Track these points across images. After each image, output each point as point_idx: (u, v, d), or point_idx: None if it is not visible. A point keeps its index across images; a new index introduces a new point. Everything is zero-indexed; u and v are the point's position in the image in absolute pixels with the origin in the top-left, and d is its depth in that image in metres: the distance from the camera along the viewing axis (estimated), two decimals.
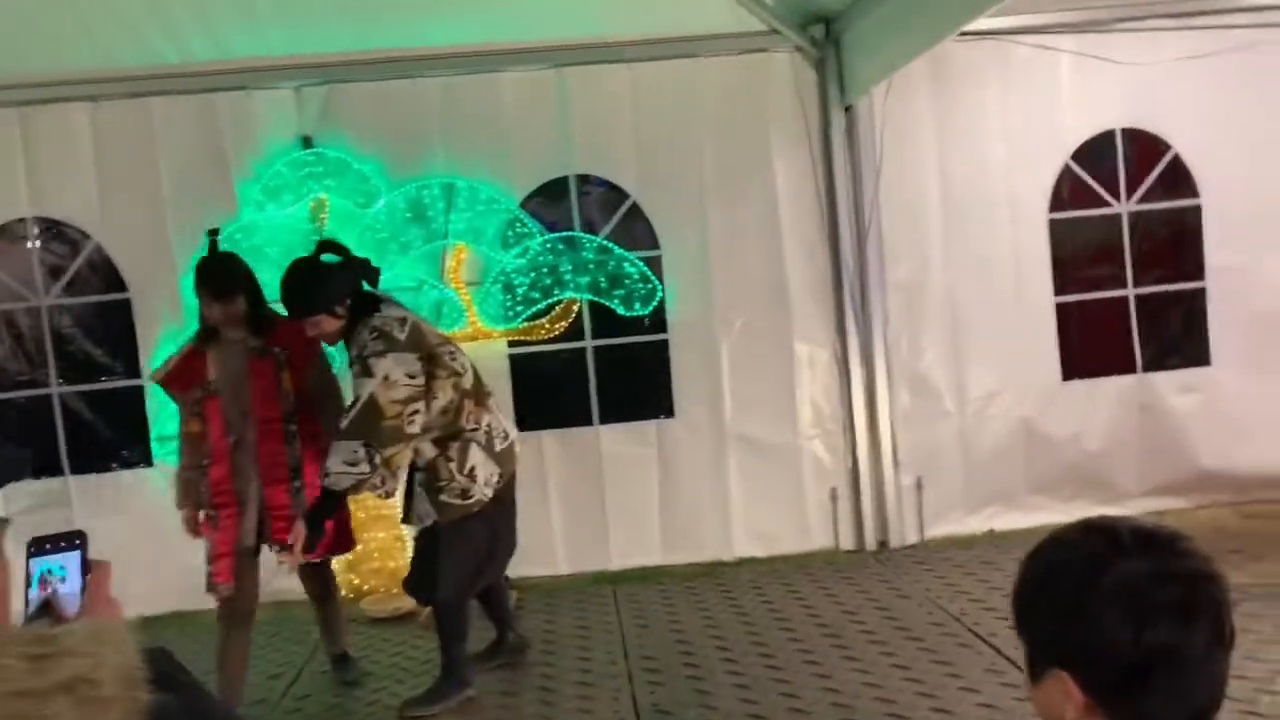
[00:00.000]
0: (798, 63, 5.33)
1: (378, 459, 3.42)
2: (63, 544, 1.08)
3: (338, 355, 4.09)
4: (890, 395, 5.47)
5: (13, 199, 5.09)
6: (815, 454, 5.47)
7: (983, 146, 5.43)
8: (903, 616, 4.41)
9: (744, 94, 5.34)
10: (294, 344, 3.69)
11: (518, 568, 5.17)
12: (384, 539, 5.23)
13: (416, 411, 3.50)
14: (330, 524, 3.59)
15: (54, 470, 5.16)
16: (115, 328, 5.13)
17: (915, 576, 4.95)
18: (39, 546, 1.07)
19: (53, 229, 5.21)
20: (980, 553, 5.23)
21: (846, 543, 5.48)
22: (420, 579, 3.84)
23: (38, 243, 5.18)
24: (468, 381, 3.75)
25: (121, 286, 5.14)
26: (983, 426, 5.56)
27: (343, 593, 5.16)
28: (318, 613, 4.13)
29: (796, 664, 3.98)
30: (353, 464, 3.41)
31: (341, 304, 3.57)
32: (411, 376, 3.50)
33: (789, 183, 5.39)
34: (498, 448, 3.77)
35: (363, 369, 3.45)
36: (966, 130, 5.41)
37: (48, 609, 1.05)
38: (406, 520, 3.95)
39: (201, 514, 3.70)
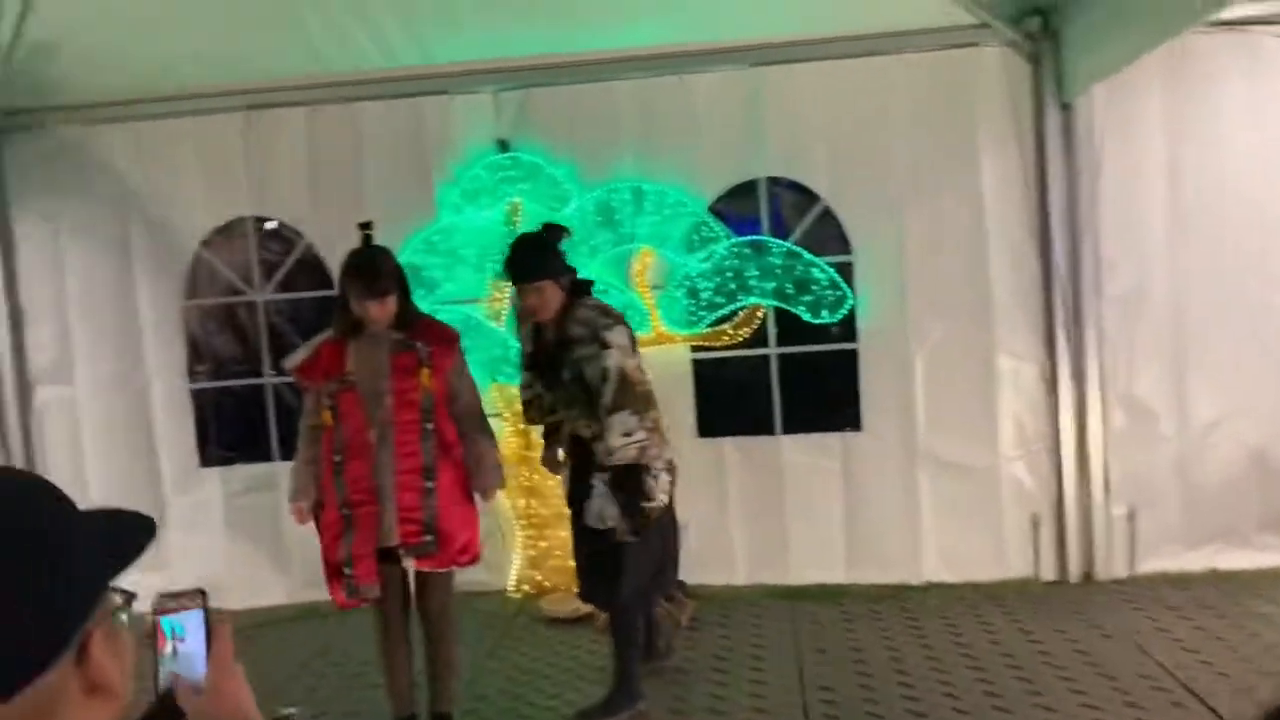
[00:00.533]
0: (1010, 58, 4.97)
1: (648, 422, 3.58)
2: (186, 602, 1.07)
3: (507, 341, 4.13)
4: (1103, 416, 5.05)
5: (234, 198, 5.43)
6: (1016, 476, 5.13)
7: (1221, 147, 4.91)
8: (1106, 662, 4.06)
9: (949, 91, 5.04)
10: (436, 342, 3.56)
11: (694, 574, 5.13)
12: (565, 537, 5.25)
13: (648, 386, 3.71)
14: (462, 531, 3.55)
15: (265, 456, 5.50)
16: (324, 322, 5.36)
17: (1123, 616, 4.56)
18: (164, 604, 1.08)
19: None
20: (1198, 594, 4.77)
21: (1047, 573, 5.11)
22: (598, 585, 3.83)
23: (255, 240, 5.48)
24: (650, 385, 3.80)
25: (329, 284, 5.38)
26: (1207, 454, 5.06)
27: (518, 592, 5.27)
28: (427, 654, 3.70)
29: (985, 709, 3.72)
30: (629, 434, 3.55)
31: (565, 278, 3.70)
32: (635, 352, 3.70)
33: (996, 185, 5.05)
34: (668, 454, 3.76)
35: (600, 342, 3.58)
36: (1203, 130, 4.90)
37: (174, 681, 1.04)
38: (577, 509, 3.81)
39: (341, 511, 3.50)
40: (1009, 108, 4.98)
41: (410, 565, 3.54)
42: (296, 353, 3.64)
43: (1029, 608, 4.76)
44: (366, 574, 3.46)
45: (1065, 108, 4.94)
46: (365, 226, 3.59)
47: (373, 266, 3.48)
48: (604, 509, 3.68)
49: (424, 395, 3.50)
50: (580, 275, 3.85)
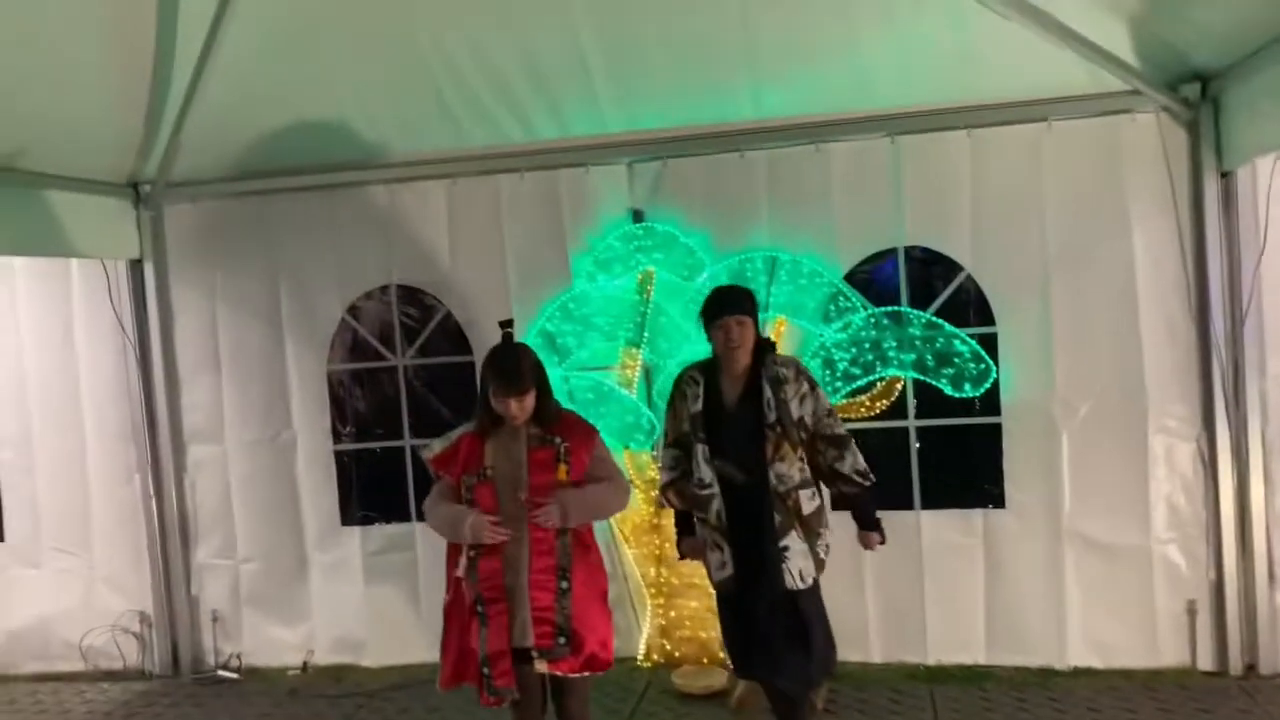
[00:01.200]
0: (1165, 124, 4.76)
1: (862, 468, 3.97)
2: None
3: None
4: (1266, 498, 4.78)
5: (382, 268, 5.59)
6: (1170, 559, 4.88)
7: None
8: None
9: (1099, 158, 4.86)
10: (574, 436, 3.54)
11: None
12: (696, 608, 5.24)
13: None
14: (592, 634, 3.47)
15: (404, 516, 5.63)
16: (461, 387, 5.49)
17: None
18: None
19: (411, 295, 5.65)
20: None
21: (1204, 663, 4.85)
22: (800, 661, 3.86)
23: (397, 307, 5.64)
24: None
25: (468, 349, 5.50)
26: None
27: (649, 661, 5.25)
28: None
29: None
30: (859, 471, 3.97)
31: (759, 327, 3.99)
32: None
33: (1150, 255, 4.85)
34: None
35: (810, 383, 3.95)
36: None
37: None
38: (754, 580, 3.90)
39: (476, 608, 3.44)
40: (1164, 176, 4.78)
41: (543, 667, 3.46)
42: (435, 443, 3.60)
43: (1186, 702, 4.52)
44: (504, 674, 3.41)
45: (1225, 176, 4.72)
46: (506, 325, 3.61)
47: (513, 363, 3.47)
48: (803, 567, 3.82)
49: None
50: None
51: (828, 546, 3.98)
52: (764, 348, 3.97)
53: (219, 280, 5.74)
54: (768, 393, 3.85)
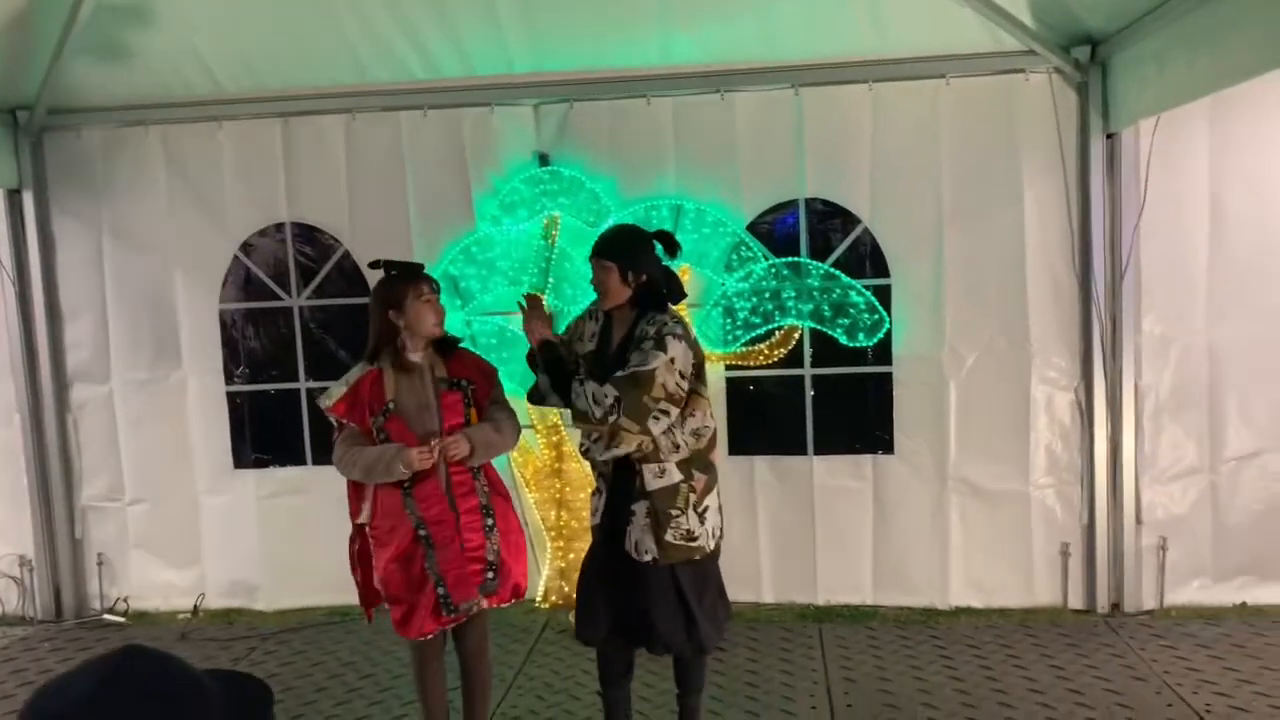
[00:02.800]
0: (1057, 85, 4.93)
1: (613, 419, 3.27)
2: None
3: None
4: (1136, 447, 5.05)
5: (273, 204, 5.44)
6: (1047, 504, 5.13)
7: (1266, 184, 4.88)
8: (1137, 706, 4.07)
9: (993, 117, 5.01)
10: (478, 376, 3.54)
11: None
12: None
13: (665, 413, 3.33)
14: (516, 565, 3.51)
15: (298, 460, 5.55)
16: (359, 329, 5.38)
17: (1152, 653, 4.57)
18: None
19: (308, 233, 5.51)
20: (1229, 630, 4.78)
21: (1075, 601, 5.13)
22: (674, 630, 3.44)
23: (293, 245, 5.50)
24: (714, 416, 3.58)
25: (366, 291, 5.39)
26: (1238, 488, 5.07)
27: (547, 603, 5.32)
28: (464, 676, 3.66)
29: None
30: (597, 401, 3.28)
31: (636, 276, 3.46)
32: (683, 376, 3.37)
33: (1038, 213, 5.03)
34: (720, 502, 3.58)
35: (657, 343, 3.34)
36: (1251, 168, 4.87)
37: None
38: (613, 532, 3.49)
39: (418, 532, 3.39)
40: (1054, 136, 4.95)
41: (483, 604, 3.46)
42: (332, 389, 3.48)
43: (1058, 639, 4.77)
44: (464, 591, 3.39)
45: (1110, 138, 4.91)
46: (377, 265, 3.50)
47: (420, 268, 3.46)
48: (640, 540, 3.40)
49: None
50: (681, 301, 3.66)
51: (688, 533, 3.39)
52: (647, 302, 3.50)
53: (103, 213, 5.51)
54: (630, 350, 3.44)
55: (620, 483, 3.47)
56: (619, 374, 3.33)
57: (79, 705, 0.86)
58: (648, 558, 3.39)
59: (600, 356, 3.55)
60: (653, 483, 3.39)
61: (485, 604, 3.49)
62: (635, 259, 3.49)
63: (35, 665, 4.99)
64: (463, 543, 3.41)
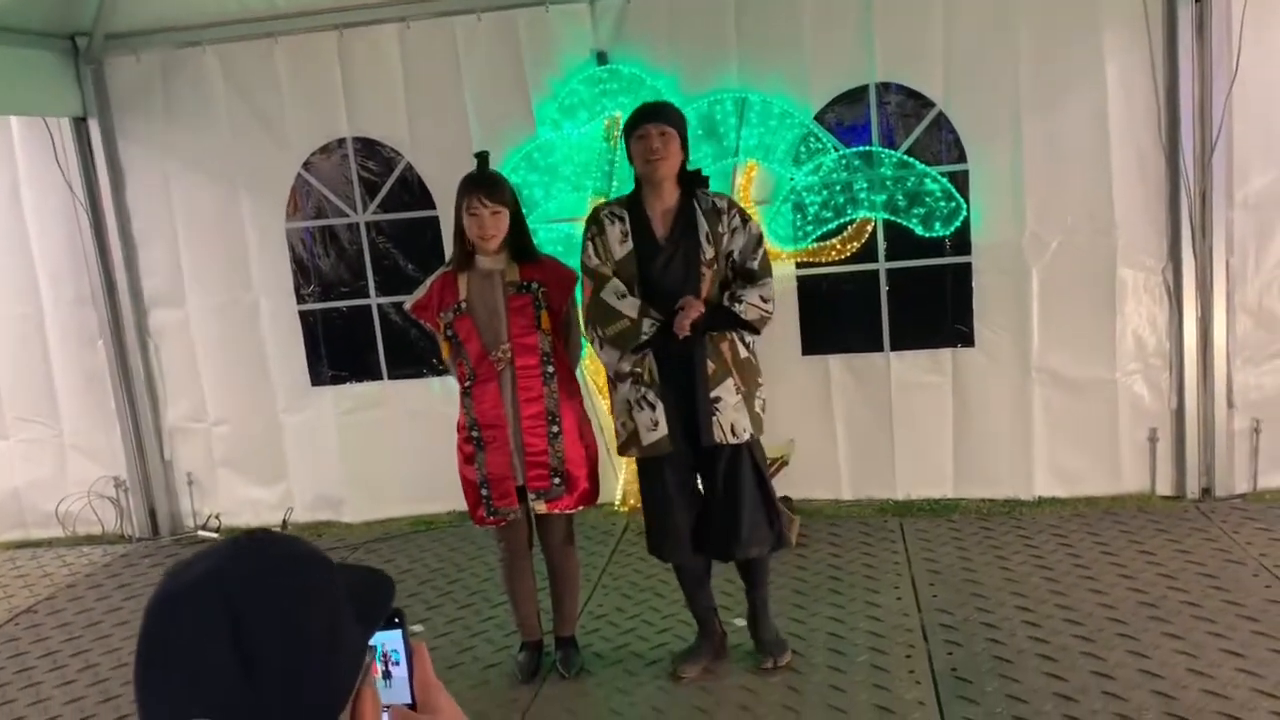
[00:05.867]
0: None
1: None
2: (385, 624, 1.03)
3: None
4: (1229, 329, 4.87)
5: (333, 120, 5.40)
6: (1134, 391, 4.99)
7: None
8: (1233, 587, 3.99)
9: None
10: (551, 281, 3.49)
11: (800, 489, 5.16)
12: None
13: None
14: (581, 471, 3.53)
15: (374, 375, 5.61)
16: (426, 243, 5.38)
17: (1246, 536, 4.46)
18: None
19: (369, 147, 5.47)
20: None
21: (1164, 488, 5.02)
22: (757, 525, 3.42)
23: (355, 161, 5.47)
24: None
25: (430, 204, 5.38)
26: None
27: (626, 506, 5.35)
28: (551, 575, 3.73)
29: (1109, 635, 3.69)
30: (766, 299, 3.40)
31: (687, 146, 3.51)
32: None
33: (1121, 87, 4.78)
34: None
35: (744, 217, 3.50)
36: None
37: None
38: (706, 439, 3.37)
39: (471, 433, 3.49)
40: (1137, 3, 4.67)
41: (541, 508, 3.53)
42: (416, 292, 3.61)
43: (1147, 525, 4.69)
44: (504, 495, 3.50)
45: (1199, 1, 4.62)
46: (481, 155, 3.56)
47: (489, 176, 3.48)
48: (735, 420, 3.34)
49: (542, 339, 3.47)
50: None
51: (764, 402, 3.49)
52: (694, 179, 3.50)
53: (167, 137, 5.52)
54: (705, 226, 3.39)
55: (685, 380, 3.38)
56: (752, 265, 3.42)
57: (210, 570, 0.85)
58: (746, 436, 3.42)
59: (649, 246, 3.42)
60: (743, 352, 3.45)
61: (544, 509, 3.54)
62: (686, 131, 3.51)
63: (140, 580, 5.18)
64: (524, 445, 3.47)
